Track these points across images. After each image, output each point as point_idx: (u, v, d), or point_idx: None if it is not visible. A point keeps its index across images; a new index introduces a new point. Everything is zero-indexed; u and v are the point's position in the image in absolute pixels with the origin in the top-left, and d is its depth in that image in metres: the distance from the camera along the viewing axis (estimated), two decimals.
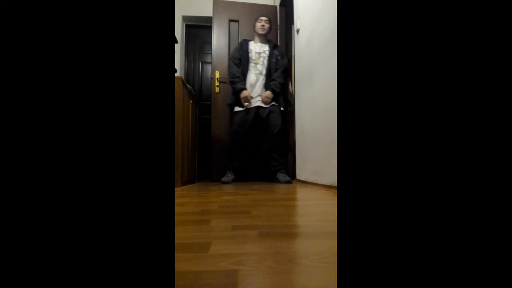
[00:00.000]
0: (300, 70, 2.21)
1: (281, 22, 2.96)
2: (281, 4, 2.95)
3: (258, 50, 2.58)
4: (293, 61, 2.57)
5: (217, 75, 2.83)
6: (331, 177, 1.48)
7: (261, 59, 2.57)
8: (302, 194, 1.40)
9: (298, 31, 2.29)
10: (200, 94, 3.38)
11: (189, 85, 2.91)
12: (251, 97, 2.48)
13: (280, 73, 2.50)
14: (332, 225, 0.68)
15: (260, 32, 2.56)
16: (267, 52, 2.56)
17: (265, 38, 2.61)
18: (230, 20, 2.92)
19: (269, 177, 2.52)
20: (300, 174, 2.15)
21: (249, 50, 2.58)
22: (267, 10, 2.97)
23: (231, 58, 2.63)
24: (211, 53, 3.08)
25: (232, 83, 2.54)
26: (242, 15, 2.93)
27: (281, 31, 2.95)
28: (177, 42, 2.10)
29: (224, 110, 2.78)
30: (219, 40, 2.89)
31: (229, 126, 2.64)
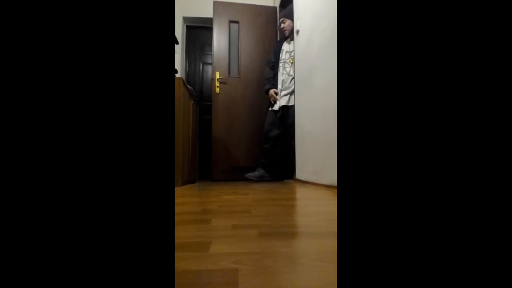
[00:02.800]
0: (300, 70, 2.21)
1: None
2: (281, 5, 2.95)
3: (289, 49, 2.54)
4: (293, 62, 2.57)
5: (217, 75, 2.83)
6: (331, 177, 1.48)
7: (291, 58, 2.52)
8: (302, 194, 1.40)
9: (298, 32, 2.29)
10: (200, 94, 3.39)
11: (190, 85, 2.92)
12: (276, 97, 2.52)
13: None
14: (332, 225, 0.68)
15: (285, 34, 2.53)
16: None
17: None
18: (230, 21, 2.92)
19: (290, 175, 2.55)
20: (300, 174, 2.15)
21: (281, 50, 2.58)
22: (267, 11, 2.97)
23: (266, 63, 2.70)
24: (211, 54, 3.09)
25: (263, 86, 2.68)
26: (242, 16, 2.93)
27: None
28: (177, 43, 2.10)
29: (224, 111, 2.78)
30: (219, 41, 2.89)
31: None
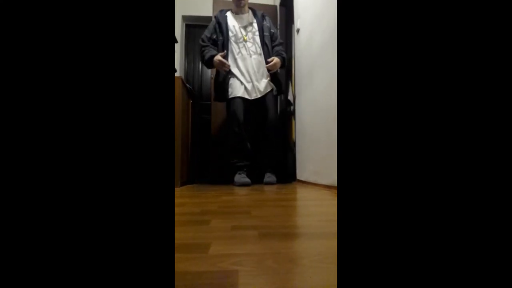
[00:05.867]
0: (300, 69, 2.21)
1: (281, 21, 2.96)
2: (281, 4, 2.95)
3: (244, 23, 2.02)
4: (293, 61, 2.57)
5: None
6: (331, 177, 1.48)
7: (250, 34, 2.00)
8: (302, 194, 1.40)
9: (298, 30, 2.29)
10: (200, 94, 3.38)
11: (189, 84, 2.91)
12: (227, 63, 1.91)
13: (281, 48, 2.05)
14: (332, 225, 0.68)
15: (240, 4, 2.03)
16: (255, 25, 2.05)
17: (246, 8, 2.06)
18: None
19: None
20: (300, 174, 2.15)
21: (229, 27, 1.98)
22: (267, 10, 2.96)
23: (201, 40, 2.00)
24: None
25: (202, 58, 1.96)
26: None
27: (281, 31, 2.95)
28: (177, 41, 2.10)
29: (224, 110, 2.78)
30: None
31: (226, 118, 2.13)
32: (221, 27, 2.00)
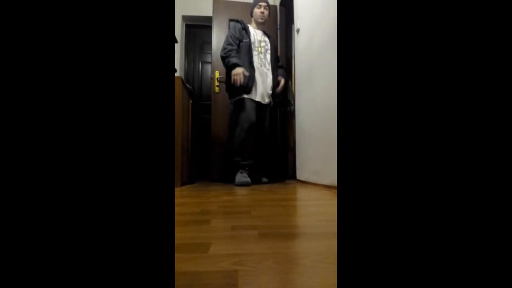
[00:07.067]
0: (300, 70, 2.21)
1: (281, 22, 2.96)
2: (281, 4, 2.95)
3: (260, 38, 2.26)
4: (293, 61, 2.56)
5: (217, 75, 2.83)
6: (331, 177, 1.48)
7: (263, 49, 2.24)
8: (302, 194, 1.40)
9: (298, 31, 2.29)
10: (200, 94, 3.38)
11: (189, 85, 2.90)
12: (243, 80, 2.03)
13: (283, 71, 2.34)
14: (332, 225, 0.68)
15: (260, 20, 2.26)
16: (268, 44, 2.29)
17: (261, 27, 2.32)
18: (230, 20, 2.92)
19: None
20: (300, 174, 2.15)
21: (250, 33, 2.22)
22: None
23: (230, 36, 2.15)
24: (211, 53, 3.08)
25: (225, 57, 2.06)
26: (242, 15, 2.92)
27: (281, 31, 2.95)
28: (177, 42, 2.10)
29: (224, 110, 2.78)
30: (219, 40, 2.89)
31: (233, 117, 2.22)
32: (247, 32, 2.20)
